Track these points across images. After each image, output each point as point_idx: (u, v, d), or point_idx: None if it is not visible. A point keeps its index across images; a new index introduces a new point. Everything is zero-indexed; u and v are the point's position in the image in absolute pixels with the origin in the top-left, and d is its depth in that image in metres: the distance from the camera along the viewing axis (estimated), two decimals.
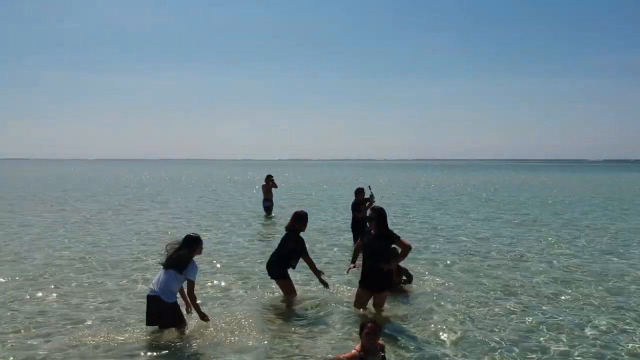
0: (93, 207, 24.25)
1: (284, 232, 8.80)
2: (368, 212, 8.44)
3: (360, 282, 8.09)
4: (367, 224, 8.23)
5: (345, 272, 9.22)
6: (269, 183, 20.77)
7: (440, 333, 7.38)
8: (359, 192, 13.96)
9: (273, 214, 20.68)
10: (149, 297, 7.13)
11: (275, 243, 9.21)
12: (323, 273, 8.75)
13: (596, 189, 41.15)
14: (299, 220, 8.66)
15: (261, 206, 21.35)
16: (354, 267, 8.43)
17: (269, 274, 8.79)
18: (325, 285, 8.62)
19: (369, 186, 14.50)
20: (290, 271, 8.74)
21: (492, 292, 9.45)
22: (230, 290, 9.51)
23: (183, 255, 7.20)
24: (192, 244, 7.33)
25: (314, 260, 8.78)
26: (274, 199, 21.22)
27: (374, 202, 13.60)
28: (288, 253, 8.53)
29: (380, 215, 7.91)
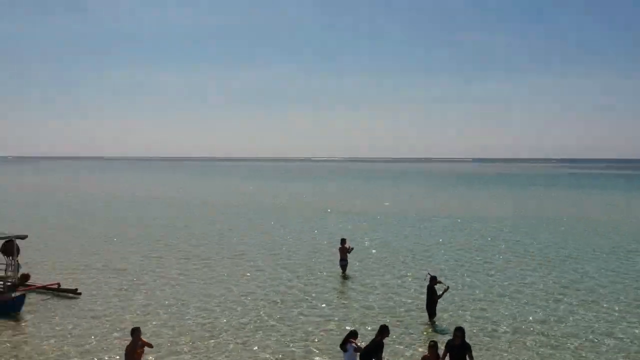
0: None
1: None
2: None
3: None
4: (454, 334, 12.52)
5: None
6: (344, 246, 25.17)
7: None
8: (434, 278, 18.50)
9: (348, 271, 24.93)
10: None
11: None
12: None
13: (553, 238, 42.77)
14: (385, 332, 13.02)
15: (338, 265, 25.52)
16: None
17: None
18: None
19: (429, 273, 18.97)
20: None
21: None
22: None
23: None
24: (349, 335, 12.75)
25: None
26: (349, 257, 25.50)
27: (447, 288, 18.70)
28: (373, 350, 12.77)
29: (462, 332, 12.50)
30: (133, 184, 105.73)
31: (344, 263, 25.11)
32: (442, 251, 31.22)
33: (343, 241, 25.54)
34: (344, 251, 25.11)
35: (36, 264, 25.91)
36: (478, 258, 29.13)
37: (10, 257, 20.85)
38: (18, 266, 20.95)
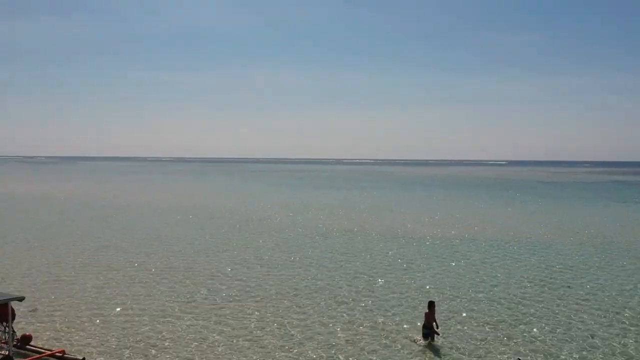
0: None
1: None
2: None
3: None
4: None
5: None
6: (432, 311, 20.35)
7: None
8: None
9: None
10: None
11: None
12: None
13: None
14: None
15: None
16: None
17: None
18: None
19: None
20: None
21: None
22: None
23: None
24: None
25: None
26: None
27: None
28: None
29: None
30: (170, 190, 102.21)
31: (426, 331, 20.05)
32: (516, 306, 25.52)
33: (431, 304, 20.45)
34: (431, 318, 20.08)
35: (37, 317, 21.20)
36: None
37: (5, 324, 16.22)
38: (13, 334, 16.34)
